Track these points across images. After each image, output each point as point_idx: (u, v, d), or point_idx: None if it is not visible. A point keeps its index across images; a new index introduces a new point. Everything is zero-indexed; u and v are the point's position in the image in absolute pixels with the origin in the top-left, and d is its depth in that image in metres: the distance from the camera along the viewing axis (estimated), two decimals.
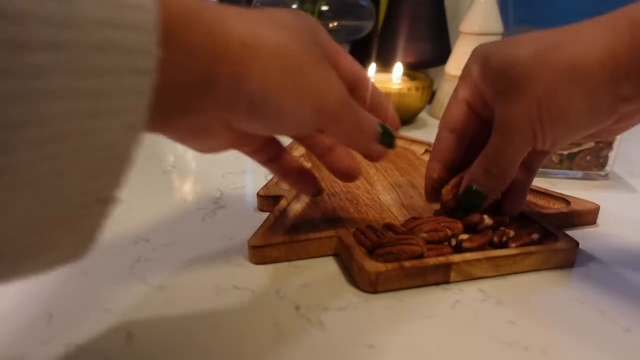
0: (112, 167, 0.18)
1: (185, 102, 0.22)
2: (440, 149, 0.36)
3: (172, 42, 0.20)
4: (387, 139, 0.30)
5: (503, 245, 0.33)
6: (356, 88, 0.31)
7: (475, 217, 0.33)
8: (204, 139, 0.26)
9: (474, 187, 0.34)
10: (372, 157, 0.31)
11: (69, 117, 0.16)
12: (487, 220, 0.34)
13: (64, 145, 0.16)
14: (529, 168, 0.36)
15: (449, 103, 0.36)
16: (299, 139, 0.33)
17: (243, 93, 0.23)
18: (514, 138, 0.31)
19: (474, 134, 0.36)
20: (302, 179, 0.34)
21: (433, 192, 0.37)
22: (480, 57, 0.33)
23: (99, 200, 0.19)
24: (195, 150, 0.30)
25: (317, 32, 0.27)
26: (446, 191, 0.35)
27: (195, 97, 0.22)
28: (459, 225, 0.33)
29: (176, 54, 0.20)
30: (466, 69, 0.34)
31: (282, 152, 0.33)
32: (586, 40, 0.28)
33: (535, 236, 0.33)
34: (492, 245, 0.33)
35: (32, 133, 0.15)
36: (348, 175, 0.33)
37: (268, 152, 0.32)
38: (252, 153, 0.32)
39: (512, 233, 0.33)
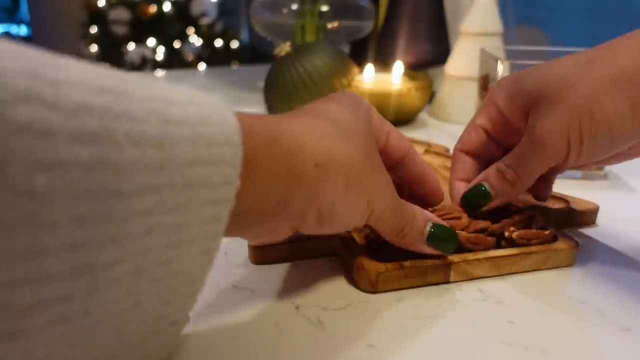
0: (186, 290, 0.19)
1: (258, 221, 0.23)
2: (458, 169, 0.36)
3: (252, 172, 0.20)
4: (438, 242, 0.29)
5: (505, 238, 0.33)
6: (404, 161, 0.32)
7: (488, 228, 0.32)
8: (267, 238, 0.27)
9: (483, 187, 0.33)
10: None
11: (148, 253, 0.16)
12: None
13: (142, 278, 0.16)
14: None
15: (466, 129, 0.36)
16: None
17: (313, 209, 0.24)
18: (545, 149, 0.30)
19: (490, 159, 0.35)
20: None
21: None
22: (508, 84, 0.33)
23: (172, 323, 0.19)
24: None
25: (372, 116, 0.30)
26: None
27: (268, 216, 0.23)
28: (463, 222, 0.33)
29: (255, 183, 0.21)
30: (488, 100, 0.34)
31: None
32: (626, 51, 0.28)
33: (547, 232, 0.33)
34: (497, 243, 0.33)
35: (115, 273, 0.15)
36: None
37: None
38: None
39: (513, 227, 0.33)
